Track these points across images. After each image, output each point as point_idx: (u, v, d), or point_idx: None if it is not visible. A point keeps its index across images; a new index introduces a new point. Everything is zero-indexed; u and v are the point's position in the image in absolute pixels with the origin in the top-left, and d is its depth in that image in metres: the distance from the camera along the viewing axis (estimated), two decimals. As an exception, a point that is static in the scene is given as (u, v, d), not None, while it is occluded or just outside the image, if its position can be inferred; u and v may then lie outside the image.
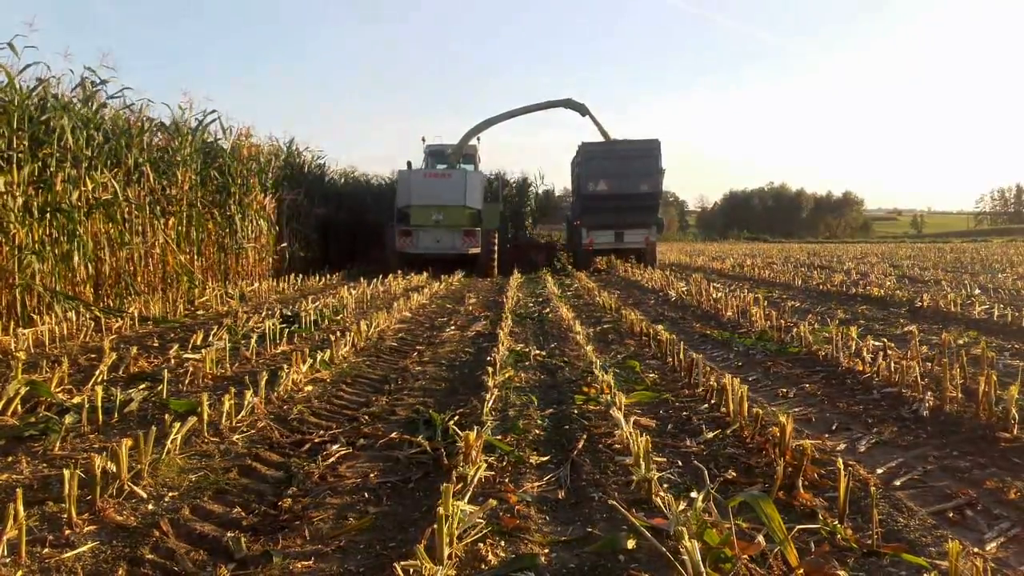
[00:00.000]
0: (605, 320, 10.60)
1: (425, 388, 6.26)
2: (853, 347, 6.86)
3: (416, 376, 6.70)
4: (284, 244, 19.14)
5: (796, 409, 5.35)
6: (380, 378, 6.63)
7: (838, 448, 4.40)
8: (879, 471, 3.98)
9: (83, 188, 10.87)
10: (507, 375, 6.31)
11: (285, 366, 6.09)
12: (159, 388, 5.61)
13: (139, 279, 12.40)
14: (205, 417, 4.59)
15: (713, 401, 5.35)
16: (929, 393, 5.20)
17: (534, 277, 19.87)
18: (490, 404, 5.12)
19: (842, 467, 3.35)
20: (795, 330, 7.89)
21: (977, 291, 13.09)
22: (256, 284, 15.35)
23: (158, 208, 13.21)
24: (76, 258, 10.54)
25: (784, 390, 5.98)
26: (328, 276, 18.44)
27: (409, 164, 21.43)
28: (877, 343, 7.07)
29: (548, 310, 11.59)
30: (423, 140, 23.42)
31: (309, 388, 5.95)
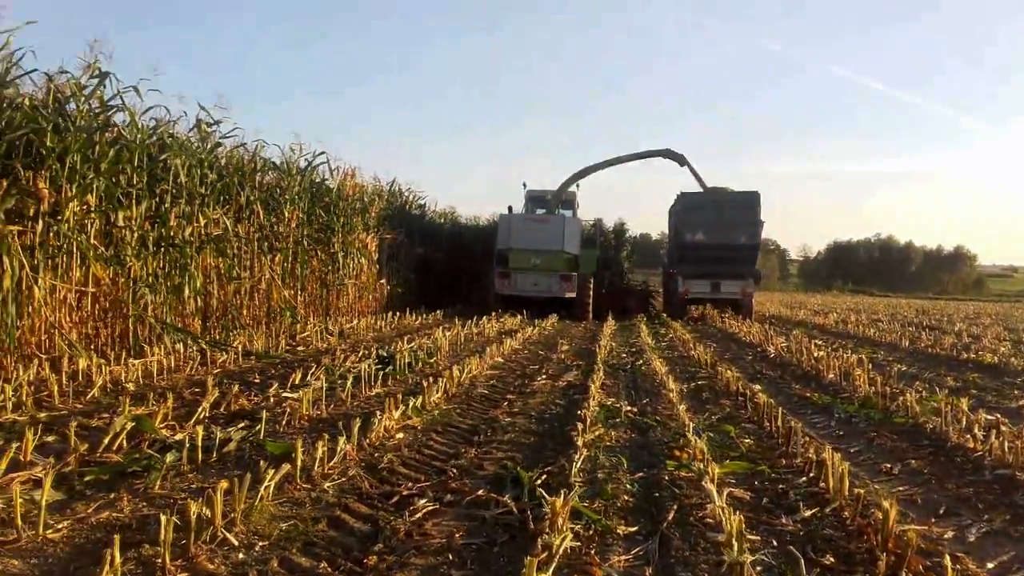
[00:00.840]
0: (700, 376, 10.39)
1: (514, 441, 6.23)
2: (963, 421, 6.52)
3: (505, 428, 6.68)
4: (383, 282, 19.57)
5: (900, 488, 5.10)
6: (470, 428, 6.64)
7: (945, 536, 4.16)
8: (989, 565, 3.74)
9: (195, 224, 11.38)
10: (597, 433, 6.22)
11: (378, 411, 6.18)
12: (257, 428, 5.76)
13: (245, 313, 12.86)
14: (298, 463, 4.68)
15: (812, 474, 5.15)
16: (1047, 480, 4.89)
17: (628, 324, 19.69)
18: (578, 464, 5.05)
19: (949, 563, 3.16)
20: (901, 398, 7.56)
21: (1102, 362, 12.29)
22: (355, 321, 15.70)
23: (266, 244, 13.74)
24: (186, 291, 11.01)
25: (888, 465, 5.71)
26: (424, 315, 18.71)
27: (510, 208, 21.89)
28: (990, 417, 6.68)
29: (641, 362, 11.44)
30: (524, 185, 23.75)
31: (400, 436, 6.00)
